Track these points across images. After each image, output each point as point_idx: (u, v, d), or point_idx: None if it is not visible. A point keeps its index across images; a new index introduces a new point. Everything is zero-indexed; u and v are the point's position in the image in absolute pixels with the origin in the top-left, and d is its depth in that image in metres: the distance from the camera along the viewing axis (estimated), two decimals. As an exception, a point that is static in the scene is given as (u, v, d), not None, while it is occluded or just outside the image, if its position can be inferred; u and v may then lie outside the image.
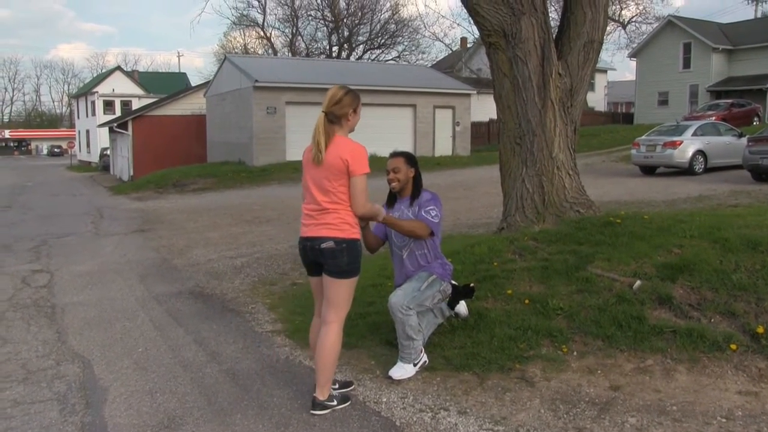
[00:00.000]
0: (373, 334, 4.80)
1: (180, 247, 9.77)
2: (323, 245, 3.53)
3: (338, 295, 3.60)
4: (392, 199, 4.33)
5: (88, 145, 47.79)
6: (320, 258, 3.59)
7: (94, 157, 43.74)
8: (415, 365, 4.12)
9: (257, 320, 5.64)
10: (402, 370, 4.07)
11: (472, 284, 4.62)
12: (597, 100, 44.99)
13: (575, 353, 4.21)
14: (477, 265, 5.65)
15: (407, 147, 25.95)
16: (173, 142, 29.34)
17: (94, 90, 47.48)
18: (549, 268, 5.27)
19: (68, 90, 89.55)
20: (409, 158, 4.24)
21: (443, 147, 27.14)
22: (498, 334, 4.44)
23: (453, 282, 4.44)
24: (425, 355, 4.22)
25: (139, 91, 50.38)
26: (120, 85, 51.44)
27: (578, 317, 4.53)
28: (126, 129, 29.46)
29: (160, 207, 16.72)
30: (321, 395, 3.63)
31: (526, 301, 4.84)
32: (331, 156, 3.48)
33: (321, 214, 3.55)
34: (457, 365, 4.16)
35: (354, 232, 3.57)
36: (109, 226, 13.03)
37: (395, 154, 4.25)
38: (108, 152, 37.28)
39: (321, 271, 3.66)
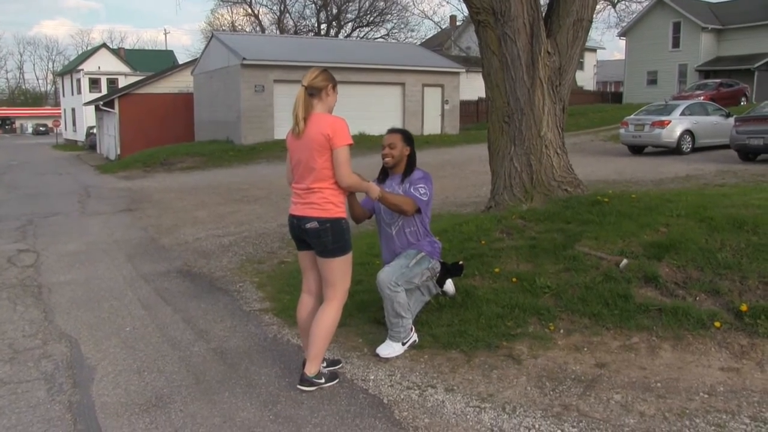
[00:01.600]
0: (361, 313, 4.80)
1: (168, 226, 9.71)
2: (307, 225, 3.55)
3: (331, 274, 3.61)
4: (384, 175, 4.32)
5: (74, 124, 47.19)
6: (306, 237, 3.60)
7: (80, 136, 43.22)
8: (403, 344, 4.13)
9: (245, 299, 5.63)
10: (390, 349, 4.09)
11: (460, 262, 4.62)
12: (586, 79, 44.93)
13: (562, 331, 4.24)
14: (465, 243, 5.65)
15: (396, 124, 25.69)
16: (161, 120, 29.05)
17: (80, 67, 46.79)
18: (537, 246, 5.28)
19: (53, 67, 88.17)
20: (407, 136, 4.25)
21: (432, 125, 27.05)
22: (485, 312, 4.46)
23: (441, 260, 4.44)
24: (415, 334, 4.23)
25: (125, 68, 49.73)
26: (106, 63, 50.76)
27: (565, 295, 4.56)
28: (112, 107, 29.09)
29: (148, 186, 16.60)
30: (309, 370, 3.63)
31: (514, 280, 4.85)
32: (312, 132, 3.48)
33: (307, 194, 3.56)
34: (444, 343, 4.17)
35: (338, 211, 3.57)
36: (96, 206, 12.92)
37: (393, 131, 4.25)
38: (94, 131, 36.84)
39: (309, 246, 3.67)
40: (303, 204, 3.58)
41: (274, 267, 6.71)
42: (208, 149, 22.88)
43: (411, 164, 4.25)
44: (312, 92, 3.53)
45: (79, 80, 44.19)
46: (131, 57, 57.56)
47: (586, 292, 4.54)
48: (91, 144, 37.53)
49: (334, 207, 3.56)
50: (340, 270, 3.62)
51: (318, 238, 3.55)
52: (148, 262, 7.27)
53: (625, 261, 4.77)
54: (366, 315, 4.76)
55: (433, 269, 4.24)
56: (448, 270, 4.48)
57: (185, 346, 4.46)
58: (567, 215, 5.85)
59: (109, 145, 30.89)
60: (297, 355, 4.18)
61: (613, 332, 4.16)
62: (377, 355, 4.07)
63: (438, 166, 16.59)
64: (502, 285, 4.84)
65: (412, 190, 4.13)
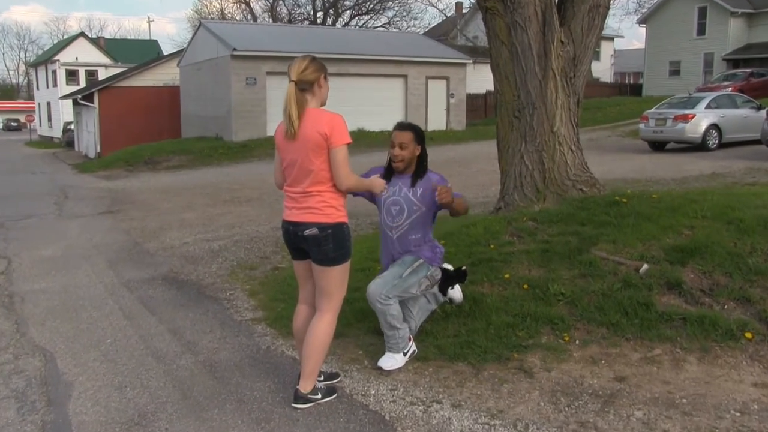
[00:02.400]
0: (360, 322, 4.79)
1: (152, 229, 9.71)
2: (306, 232, 3.51)
3: (329, 284, 3.59)
4: (389, 174, 4.20)
5: (49, 119, 47.21)
6: (304, 245, 3.57)
7: (57, 132, 43.22)
8: (405, 354, 4.12)
9: (236, 307, 5.63)
10: (392, 360, 4.07)
11: (464, 267, 4.60)
12: (602, 70, 44.96)
13: (577, 342, 4.23)
14: (472, 247, 5.65)
15: (398, 119, 25.78)
16: (144, 115, 29.10)
17: (55, 58, 46.75)
18: (549, 250, 5.28)
19: (25, 57, 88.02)
20: (418, 134, 4.12)
21: (436, 121, 27.08)
22: (495, 322, 4.45)
23: (445, 265, 4.43)
24: (413, 344, 4.22)
25: (105, 59, 49.71)
26: (84, 53, 50.71)
27: (581, 303, 4.55)
28: (92, 101, 29.11)
29: (131, 186, 16.61)
30: (304, 387, 3.62)
31: (525, 286, 4.85)
32: (308, 130, 3.43)
33: (303, 197, 3.52)
34: (450, 355, 4.17)
35: (340, 216, 3.55)
36: (74, 207, 12.93)
37: (403, 127, 4.12)
38: (72, 127, 36.84)
39: (306, 255, 3.65)
40: (300, 209, 3.54)
41: (268, 273, 6.70)
42: (195, 146, 22.90)
43: (422, 165, 4.15)
44: (303, 87, 3.45)
45: (54, 72, 44.17)
46: (112, 47, 57.54)
47: (604, 299, 4.53)
48: (68, 141, 37.55)
49: (335, 211, 3.53)
50: (338, 279, 3.61)
51: (318, 245, 3.51)
52: (131, 268, 7.27)
53: (645, 266, 4.77)
54: (366, 324, 4.75)
55: (432, 277, 4.20)
56: (450, 277, 4.44)
57: (171, 359, 4.45)
58: (582, 217, 5.84)
59: (89, 142, 30.89)
60: (292, 368, 4.17)
61: (633, 343, 4.15)
62: (379, 368, 4.06)
63: (443, 165, 16.55)
64: (513, 292, 4.83)
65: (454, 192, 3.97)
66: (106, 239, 9.09)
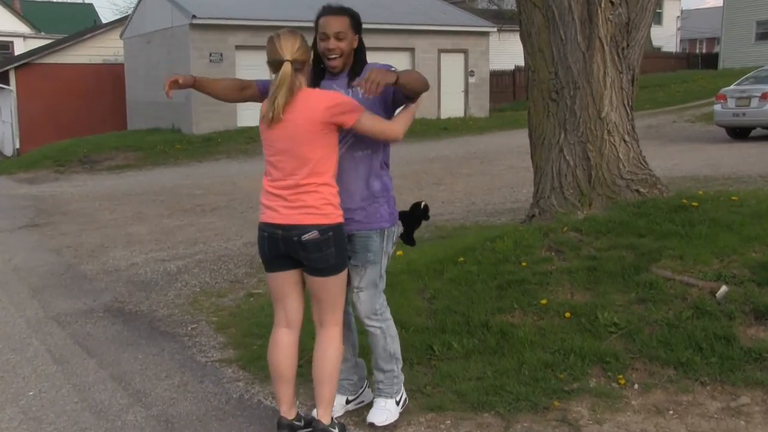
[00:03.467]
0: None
1: (91, 247, 9.74)
2: (305, 237, 3.60)
3: (332, 294, 3.77)
4: (319, 75, 3.95)
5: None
6: (299, 252, 3.66)
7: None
8: (398, 403, 4.14)
9: (199, 345, 5.63)
10: (386, 413, 4.07)
11: (422, 203, 4.35)
12: (665, 37, 45.07)
13: (636, 386, 4.24)
14: (499, 265, 5.66)
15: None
16: (78, 101, 29.14)
17: (-50, 25, 46.60)
18: (598, 269, 5.29)
19: None
20: (355, 18, 3.92)
21: (452, 106, 27.16)
22: (529, 360, 4.46)
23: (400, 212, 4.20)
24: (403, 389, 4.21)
25: (24, 28, 49.38)
26: (-8, 20, 50.42)
27: (639, 337, 4.56)
28: (7, 83, 28.98)
29: (62, 192, 16.65)
30: (324, 418, 3.78)
31: (567, 315, 4.85)
32: (306, 112, 3.57)
33: (297, 194, 3.61)
34: (474, 403, 4.17)
35: (338, 215, 3.67)
36: (-11, 220, 12.95)
37: (335, 11, 3.86)
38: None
39: (292, 264, 3.74)
40: (292, 208, 3.62)
41: (240, 301, 6.72)
42: (146, 141, 22.97)
43: (360, 59, 3.94)
44: (296, 67, 3.60)
45: (-49, 43, 43.97)
46: (31, 11, 57.04)
47: (670, 331, 4.54)
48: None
49: (334, 210, 3.65)
50: (342, 287, 3.80)
51: (319, 252, 3.63)
52: (62, 297, 7.29)
53: (724, 288, 4.77)
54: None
55: (397, 236, 4.12)
56: (414, 220, 4.27)
57: (115, 414, 4.45)
58: (639, 226, 5.85)
59: (4, 135, 30.83)
60: (271, 420, 4.18)
61: (710, 389, 4.15)
62: (371, 425, 4.06)
63: (461, 161, 16.63)
64: (552, 322, 4.84)
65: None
66: (28, 261, 9.10)
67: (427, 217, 4.35)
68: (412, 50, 26.29)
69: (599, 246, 5.69)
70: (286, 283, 3.81)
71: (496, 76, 31.29)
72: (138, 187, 16.24)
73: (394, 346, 4.05)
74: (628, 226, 5.88)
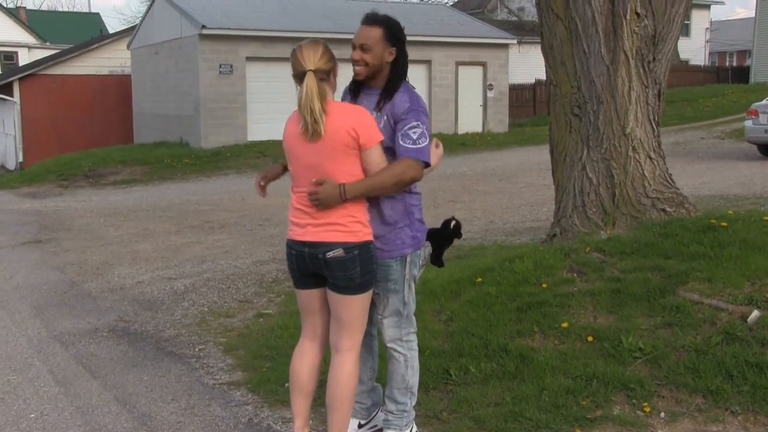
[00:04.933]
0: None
1: (95, 264, 9.79)
2: (330, 255, 3.66)
3: (352, 316, 3.79)
4: (356, 89, 4.00)
5: (-52, 118, 47.46)
6: (324, 270, 3.72)
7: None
8: None
9: (207, 367, 5.65)
10: None
11: (452, 220, 4.30)
12: (694, 49, 44.96)
13: (663, 415, 4.22)
14: (518, 287, 5.66)
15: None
16: (84, 114, 29.31)
17: (-45, 34, 47.04)
18: (622, 291, 5.28)
19: None
20: (391, 30, 3.85)
21: (470, 120, 27.18)
22: (549, 386, 4.45)
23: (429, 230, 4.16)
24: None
25: (29, 38, 49.79)
26: (-3, 29, 50.88)
27: (666, 363, 4.54)
28: (10, 94, 29.09)
29: (66, 207, 16.74)
30: None
31: (590, 339, 4.85)
32: (333, 128, 3.60)
33: (323, 211, 3.66)
34: (492, 430, 4.16)
35: (367, 233, 3.72)
36: (-9, 236, 13.04)
37: (368, 20, 3.86)
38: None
39: (320, 281, 3.81)
40: (318, 225, 3.69)
41: (249, 322, 6.73)
42: (153, 155, 23.07)
43: (397, 75, 3.87)
44: (321, 77, 3.65)
45: (-46, 53, 44.37)
46: (37, 21, 57.62)
47: (698, 357, 4.52)
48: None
49: (362, 227, 3.71)
50: (363, 309, 3.82)
51: (344, 270, 3.68)
52: (66, 316, 7.32)
53: (756, 313, 4.75)
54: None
55: (425, 257, 4.10)
56: (445, 240, 4.24)
57: (121, 436, 4.48)
58: (666, 247, 5.84)
59: (7, 148, 31.01)
60: (280, 448, 4.19)
61: (742, 418, 4.13)
62: None
63: (479, 178, 16.63)
64: (573, 346, 4.83)
65: (401, 140, 3.70)
66: (30, 278, 9.15)
67: (459, 235, 4.30)
68: (428, 62, 26.34)
69: (623, 267, 5.68)
70: (315, 300, 3.89)
71: (516, 90, 31.31)
72: (144, 203, 16.32)
73: (414, 379, 4.04)
74: (653, 247, 5.88)
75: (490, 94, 27.64)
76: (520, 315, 5.28)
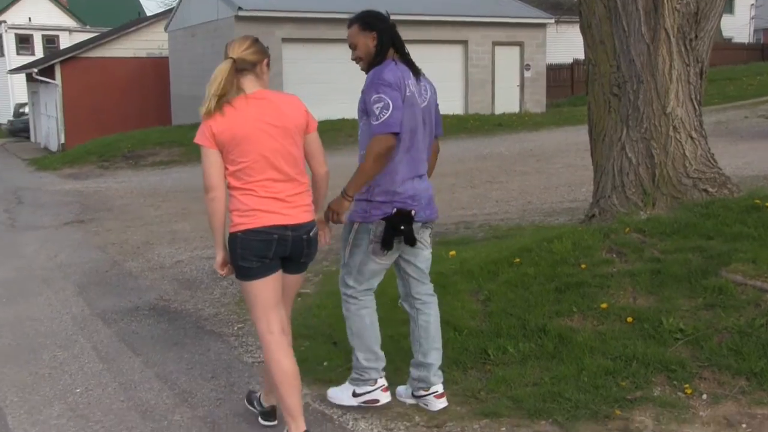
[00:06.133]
0: (408, 365, 4.81)
1: (136, 244, 9.91)
2: (312, 233, 3.94)
3: (295, 292, 4.21)
4: None
5: (-7, 100, 48.02)
6: (304, 249, 3.91)
7: (5, 117, 44.03)
8: (355, 395, 4.29)
9: (246, 346, 5.72)
10: (339, 393, 4.40)
11: (412, 210, 4.14)
12: (738, 26, 44.11)
13: (705, 397, 4.19)
14: (557, 267, 5.64)
15: (456, 100, 26.00)
16: (123, 96, 29.55)
17: (1, 19, 47.56)
18: (662, 272, 5.24)
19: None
20: (364, 20, 4.16)
21: (507, 101, 27.00)
22: (588, 367, 4.44)
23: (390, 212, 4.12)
24: (380, 390, 4.32)
25: (70, 22, 50.29)
26: (40, 13, 51.07)
27: (708, 344, 4.51)
28: (52, 77, 29.38)
29: (107, 188, 16.96)
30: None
31: (629, 320, 4.83)
32: (293, 112, 3.86)
33: (296, 195, 3.87)
34: (530, 410, 4.17)
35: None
36: (31, 216, 13.26)
37: (348, 24, 4.24)
38: (26, 110, 37.48)
39: (279, 266, 3.90)
40: (295, 208, 3.85)
41: (285, 302, 6.78)
42: (190, 136, 22.97)
43: (377, 56, 4.12)
44: (243, 66, 3.88)
45: (0, 36, 44.85)
46: (78, 5, 58.21)
47: (741, 339, 4.48)
48: (20, 128, 38.05)
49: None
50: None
51: (315, 246, 4.00)
52: (107, 295, 7.43)
53: (796, 293, 4.70)
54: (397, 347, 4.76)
55: (377, 235, 4.07)
56: (394, 227, 4.09)
57: (161, 415, 4.54)
58: (707, 227, 5.79)
59: (49, 130, 31.32)
60: (321, 424, 4.22)
61: (786, 400, 4.09)
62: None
63: (516, 159, 16.55)
64: (613, 327, 4.81)
65: (370, 118, 4.00)
66: (74, 257, 9.29)
67: (401, 224, 4.10)
68: (464, 43, 26.18)
69: (664, 248, 5.63)
70: (279, 287, 3.94)
71: (554, 70, 31.03)
72: (182, 184, 16.46)
73: (348, 332, 4.35)
74: (695, 228, 5.82)
75: (527, 74, 27.42)
76: (559, 295, 5.26)
